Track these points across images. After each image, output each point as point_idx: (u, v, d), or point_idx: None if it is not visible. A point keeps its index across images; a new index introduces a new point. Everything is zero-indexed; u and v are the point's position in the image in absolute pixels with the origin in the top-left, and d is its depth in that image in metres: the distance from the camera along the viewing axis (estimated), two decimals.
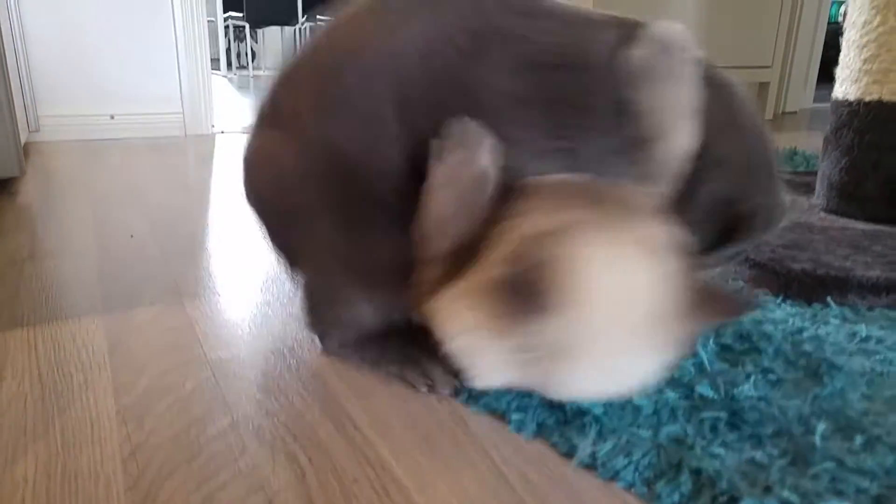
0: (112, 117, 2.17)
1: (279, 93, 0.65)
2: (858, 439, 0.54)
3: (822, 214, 1.17)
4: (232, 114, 2.84)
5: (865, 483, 0.49)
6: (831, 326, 0.75)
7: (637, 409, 0.59)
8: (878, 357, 0.69)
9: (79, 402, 0.63)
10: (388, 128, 0.57)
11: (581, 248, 0.51)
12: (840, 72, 1.18)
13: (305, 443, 0.57)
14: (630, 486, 0.51)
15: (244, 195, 0.69)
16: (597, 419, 0.57)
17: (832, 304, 0.81)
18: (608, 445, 0.54)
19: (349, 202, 0.59)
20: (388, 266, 0.61)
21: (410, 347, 0.66)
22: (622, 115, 0.57)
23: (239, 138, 2.27)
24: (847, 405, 0.60)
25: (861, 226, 1.09)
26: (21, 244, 1.08)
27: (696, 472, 0.50)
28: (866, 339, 0.73)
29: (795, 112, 3.17)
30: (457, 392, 0.63)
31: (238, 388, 0.65)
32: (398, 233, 0.58)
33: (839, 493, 0.48)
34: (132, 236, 1.13)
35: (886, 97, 1.09)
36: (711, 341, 0.71)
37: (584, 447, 0.54)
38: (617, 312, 0.51)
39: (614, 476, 0.52)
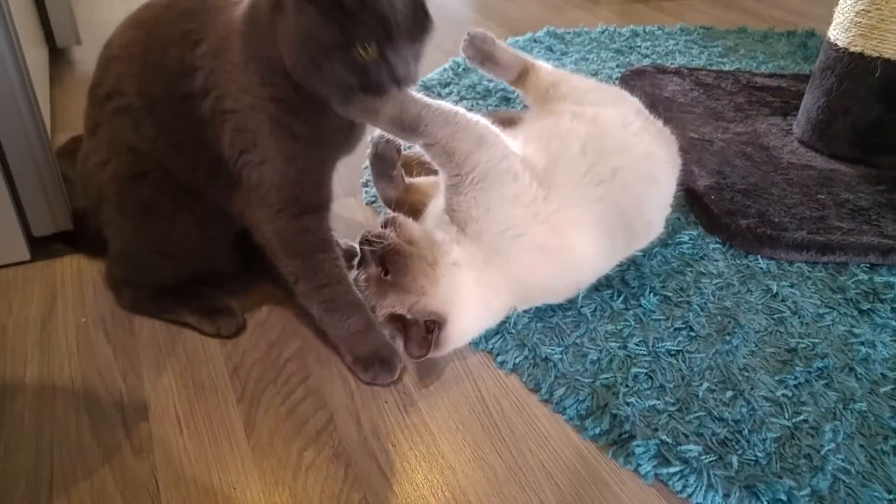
0: None
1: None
2: (728, 393, 0.79)
3: (796, 145, 1.33)
4: None
5: (718, 429, 0.74)
6: (754, 282, 0.97)
7: (585, 356, 0.83)
8: (776, 316, 0.91)
9: None
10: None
11: None
12: (836, 14, 1.27)
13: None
14: (570, 419, 0.77)
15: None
16: (555, 365, 0.82)
17: (761, 259, 1.02)
18: (561, 388, 0.79)
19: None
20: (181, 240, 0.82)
21: (194, 300, 0.87)
22: None
23: None
24: (734, 361, 0.84)
25: (822, 163, 1.26)
26: None
27: (614, 415, 0.76)
28: (775, 295, 0.95)
29: None
30: (238, 331, 0.85)
31: (302, 314, 0.90)
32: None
33: (699, 436, 0.74)
34: None
35: (868, 52, 1.20)
36: (654, 293, 0.93)
37: (545, 387, 0.80)
38: None
39: (561, 411, 0.77)
